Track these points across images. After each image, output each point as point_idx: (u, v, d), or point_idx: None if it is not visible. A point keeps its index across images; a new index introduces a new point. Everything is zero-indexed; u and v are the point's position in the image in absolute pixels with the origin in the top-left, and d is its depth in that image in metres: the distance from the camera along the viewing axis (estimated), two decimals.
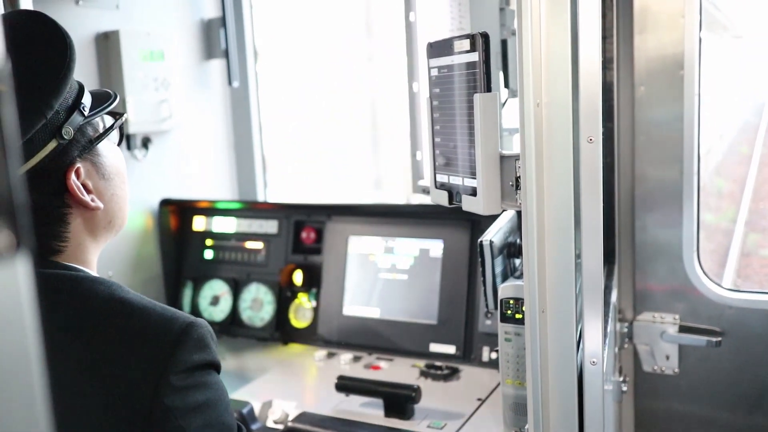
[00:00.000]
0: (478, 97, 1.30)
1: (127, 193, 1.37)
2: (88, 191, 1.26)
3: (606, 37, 2.15)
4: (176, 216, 2.81)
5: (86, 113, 1.25)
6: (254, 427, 2.02)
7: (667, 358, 2.41)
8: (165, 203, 2.76)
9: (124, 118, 1.37)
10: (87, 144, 1.25)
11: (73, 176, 1.22)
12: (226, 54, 2.90)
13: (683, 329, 2.38)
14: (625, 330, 2.41)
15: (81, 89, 1.26)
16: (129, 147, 2.59)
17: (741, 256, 6.09)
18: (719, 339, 2.31)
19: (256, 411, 2.05)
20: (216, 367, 1.25)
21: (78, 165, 1.23)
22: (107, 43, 2.48)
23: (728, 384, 2.37)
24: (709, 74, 2.32)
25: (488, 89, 1.30)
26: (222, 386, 1.25)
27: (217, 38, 2.89)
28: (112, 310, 1.19)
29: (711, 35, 2.25)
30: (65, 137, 1.19)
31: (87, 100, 1.26)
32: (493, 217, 1.81)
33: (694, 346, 2.37)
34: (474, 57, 1.33)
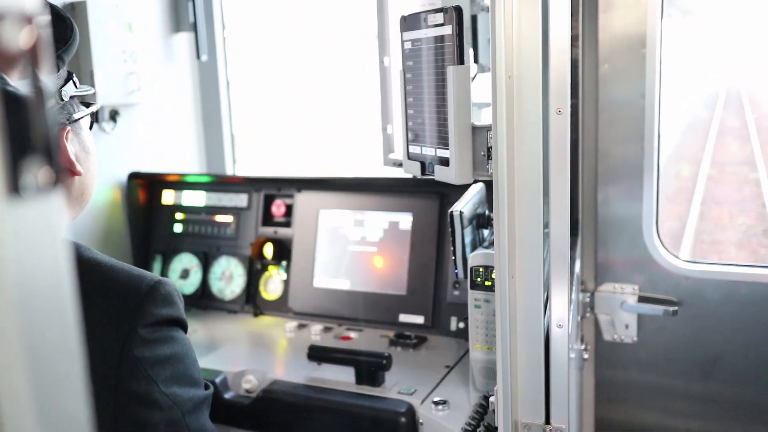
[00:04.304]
0: (451, 69, 1.34)
1: (96, 172, 1.45)
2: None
3: (572, 14, 2.20)
4: (145, 189, 2.80)
5: (77, 87, 1.35)
6: (227, 396, 2.05)
7: (627, 327, 2.51)
8: (134, 177, 2.75)
9: (98, 106, 1.49)
10: (74, 113, 1.34)
11: (64, 137, 1.29)
12: (194, 27, 2.88)
13: (642, 299, 2.47)
14: (587, 300, 2.50)
15: (69, 71, 1.36)
16: (97, 119, 2.57)
17: None
18: (676, 308, 2.41)
19: (229, 380, 2.08)
20: (182, 325, 1.31)
21: (68, 128, 1.31)
22: (74, 14, 2.45)
23: (683, 352, 2.48)
24: (668, 53, 2.39)
25: (461, 61, 1.34)
26: (189, 343, 1.32)
27: (186, 11, 2.87)
28: (81, 270, 1.23)
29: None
30: (63, 98, 1.28)
31: (76, 79, 1.36)
32: (462, 191, 1.86)
33: (652, 316, 2.47)
34: (447, 30, 1.36)
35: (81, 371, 0.39)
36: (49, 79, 0.38)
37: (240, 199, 2.70)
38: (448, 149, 1.39)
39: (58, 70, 1.28)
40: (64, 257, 0.37)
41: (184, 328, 1.32)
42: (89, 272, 1.24)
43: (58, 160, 0.35)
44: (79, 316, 1.21)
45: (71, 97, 1.36)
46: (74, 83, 1.35)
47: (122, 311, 1.21)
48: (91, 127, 1.47)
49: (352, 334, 2.37)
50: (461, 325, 2.25)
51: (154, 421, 1.21)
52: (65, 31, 1.28)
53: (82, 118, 1.38)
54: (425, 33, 1.43)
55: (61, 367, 0.37)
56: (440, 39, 1.39)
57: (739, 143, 13.29)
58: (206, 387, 1.34)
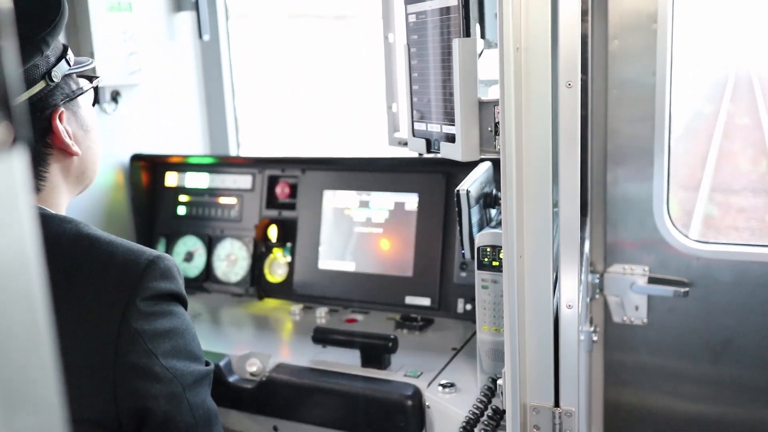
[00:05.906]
0: (457, 42, 1.29)
1: (100, 149, 1.46)
2: (69, 137, 1.34)
3: None
4: (148, 171, 2.77)
5: (71, 65, 1.35)
6: (231, 379, 2.03)
7: (636, 308, 2.47)
8: (136, 158, 2.71)
9: (100, 80, 1.48)
10: (70, 93, 1.35)
11: (57, 118, 1.31)
12: (196, 6, 2.84)
13: (652, 280, 2.43)
14: (596, 281, 2.46)
15: (65, 46, 1.36)
16: (98, 100, 2.53)
17: None
18: (687, 289, 2.37)
19: (233, 364, 2.06)
20: (182, 300, 1.31)
21: (62, 110, 1.32)
22: None
23: (694, 334, 2.44)
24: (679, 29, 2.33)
25: (468, 34, 1.30)
26: (188, 319, 1.32)
27: None
28: (80, 245, 1.25)
29: None
30: (54, 80, 1.29)
31: (71, 55, 1.36)
32: (468, 170, 1.81)
33: (663, 297, 2.42)
34: (453, 1, 1.32)
35: (50, 348, 0.36)
36: (7, 35, 0.35)
37: (244, 181, 2.66)
38: (453, 125, 1.35)
39: (42, 54, 1.25)
40: (28, 224, 0.33)
41: (184, 304, 1.32)
42: (89, 247, 1.24)
43: (20, 117, 0.32)
44: (75, 291, 1.20)
45: (69, 75, 1.35)
46: (67, 62, 1.34)
47: (121, 285, 1.21)
48: (94, 104, 1.47)
49: (358, 317, 2.34)
50: (468, 306, 2.22)
51: (154, 394, 1.21)
52: (48, 12, 1.26)
53: (80, 95, 1.37)
54: (430, 5, 1.39)
55: (27, 344, 0.34)
56: (446, 11, 1.34)
57: (751, 153, 10.41)
58: (207, 364, 1.34)
